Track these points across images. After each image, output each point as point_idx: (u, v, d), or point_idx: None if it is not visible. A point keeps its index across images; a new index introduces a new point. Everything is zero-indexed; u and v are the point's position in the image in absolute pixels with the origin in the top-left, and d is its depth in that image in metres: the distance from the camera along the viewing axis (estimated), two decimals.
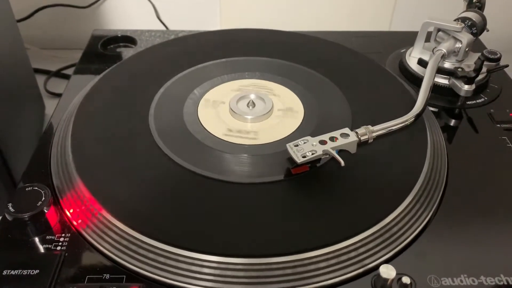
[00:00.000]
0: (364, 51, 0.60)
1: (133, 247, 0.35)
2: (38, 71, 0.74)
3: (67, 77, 0.75)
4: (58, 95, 0.70)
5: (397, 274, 0.33)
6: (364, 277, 0.34)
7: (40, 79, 0.72)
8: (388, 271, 0.33)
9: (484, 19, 0.54)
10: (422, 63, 0.53)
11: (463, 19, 0.54)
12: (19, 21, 0.77)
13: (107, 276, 0.34)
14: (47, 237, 0.36)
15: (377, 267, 0.34)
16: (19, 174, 0.49)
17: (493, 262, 0.36)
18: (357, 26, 0.82)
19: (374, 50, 0.62)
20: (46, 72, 0.76)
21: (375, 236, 0.36)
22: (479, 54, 0.52)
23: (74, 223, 0.38)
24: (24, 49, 0.64)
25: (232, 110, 0.47)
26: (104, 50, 0.63)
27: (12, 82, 0.56)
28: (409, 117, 0.44)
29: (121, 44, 0.65)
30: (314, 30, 0.65)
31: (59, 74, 0.76)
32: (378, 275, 0.33)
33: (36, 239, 0.36)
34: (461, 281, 0.34)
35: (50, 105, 0.69)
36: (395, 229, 0.37)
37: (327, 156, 0.40)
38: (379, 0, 0.81)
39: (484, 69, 0.52)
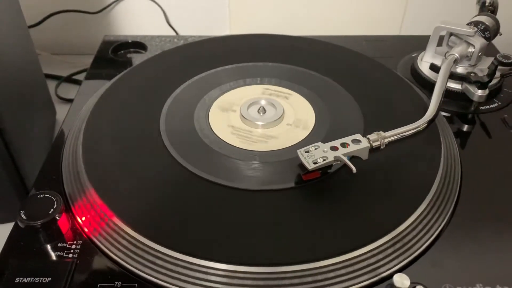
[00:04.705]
0: (375, 55, 0.59)
1: (145, 255, 0.35)
2: (49, 76, 0.75)
3: (78, 82, 0.75)
4: (69, 101, 0.70)
5: (411, 283, 0.32)
6: (377, 286, 0.34)
7: (51, 85, 0.72)
8: (402, 281, 0.32)
9: (497, 23, 0.53)
10: (434, 68, 0.53)
11: (475, 23, 0.53)
12: (30, 27, 0.77)
13: (119, 284, 0.34)
14: (59, 244, 0.37)
15: (390, 276, 0.33)
16: (31, 181, 0.50)
17: (510, 271, 0.35)
18: (368, 30, 0.81)
19: (385, 55, 0.62)
20: (57, 77, 0.76)
21: (389, 244, 0.35)
22: (493, 58, 0.51)
23: (86, 230, 0.38)
24: (36, 55, 0.64)
25: (242, 116, 0.47)
26: (115, 55, 0.64)
27: (24, 87, 0.56)
28: (421, 123, 0.43)
29: (131, 49, 0.65)
30: (324, 35, 0.65)
31: (70, 79, 0.77)
32: (392, 284, 0.32)
33: (48, 247, 0.36)
34: None
35: (61, 110, 0.69)
36: (409, 236, 0.36)
37: (339, 162, 0.39)
38: (389, 4, 0.80)
39: (497, 74, 0.51)
